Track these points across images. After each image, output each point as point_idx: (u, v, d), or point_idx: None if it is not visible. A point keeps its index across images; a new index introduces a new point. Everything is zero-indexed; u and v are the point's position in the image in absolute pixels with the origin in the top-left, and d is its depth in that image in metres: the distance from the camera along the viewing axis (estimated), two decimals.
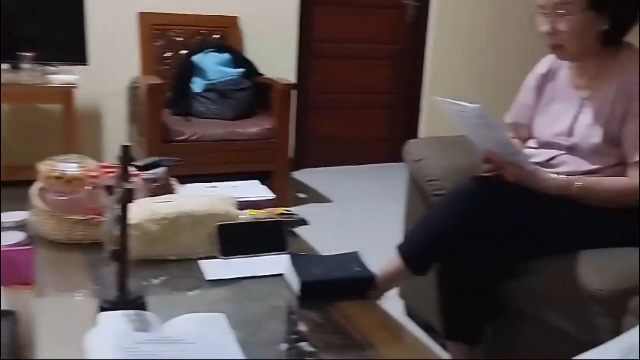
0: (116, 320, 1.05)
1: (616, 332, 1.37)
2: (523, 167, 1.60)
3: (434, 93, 4.16)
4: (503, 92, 3.31)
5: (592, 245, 1.54)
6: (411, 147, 2.07)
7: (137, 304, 1.13)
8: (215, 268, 1.39)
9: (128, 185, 1.10)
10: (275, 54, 3.80)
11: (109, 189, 1.16)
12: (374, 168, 4.31)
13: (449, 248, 1.60)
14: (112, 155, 1.54)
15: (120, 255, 1.11)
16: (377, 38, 4.26)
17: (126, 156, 1.11)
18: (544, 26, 1.63)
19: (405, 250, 1.62)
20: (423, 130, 4.28)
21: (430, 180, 1.91)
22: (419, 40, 4.24)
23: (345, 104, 4.31)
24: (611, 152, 1.61)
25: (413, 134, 4.30)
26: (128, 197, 1.10)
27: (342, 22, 4.13)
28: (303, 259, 1.38)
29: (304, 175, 3.95)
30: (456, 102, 1.58)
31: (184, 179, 1.77)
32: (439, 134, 2.12)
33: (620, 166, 1.61)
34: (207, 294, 1.32)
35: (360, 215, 3.32)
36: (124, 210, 1.10)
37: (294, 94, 3.39)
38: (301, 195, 3.55)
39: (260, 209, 1.68)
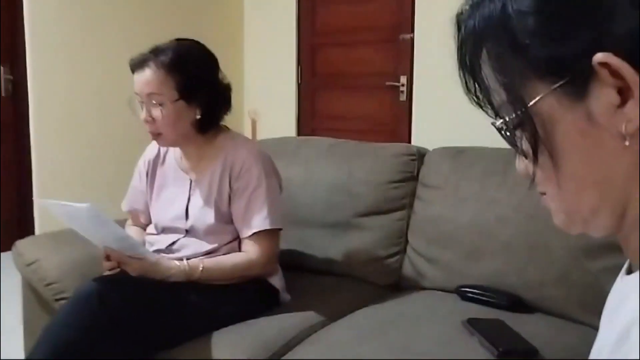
0: None
1: None
2: (146, 259, 1.57)
3: (42, 178, 3.73)
4: (115, 179, 3.08)
5: (226, 322, 1.59)
6: (22, 249, 1.85)
7: None
8: None
9: None
10: None
11: None
12: None
13: (80, 357, 1.46)
14: None
15: None
16: None
17: None
18: (141, 114, 1.64)
19: None
20: (39, 217, 3.82)
21: (49, 284, 1.73)
22: (22, 119, 3.89)
23: None
24: (225, 229, 1.70)
25: (30, 221, 3.87)
26: None
27: None
28: None
29: None
30: (65, 203, 1.47)
31: None
32: (60, 223, 1.90)
33: (237, 242, 1.71)
34: None
35: None
36: None
37: None
38: None
39: None
